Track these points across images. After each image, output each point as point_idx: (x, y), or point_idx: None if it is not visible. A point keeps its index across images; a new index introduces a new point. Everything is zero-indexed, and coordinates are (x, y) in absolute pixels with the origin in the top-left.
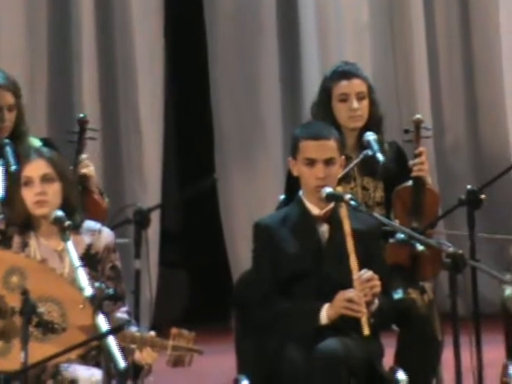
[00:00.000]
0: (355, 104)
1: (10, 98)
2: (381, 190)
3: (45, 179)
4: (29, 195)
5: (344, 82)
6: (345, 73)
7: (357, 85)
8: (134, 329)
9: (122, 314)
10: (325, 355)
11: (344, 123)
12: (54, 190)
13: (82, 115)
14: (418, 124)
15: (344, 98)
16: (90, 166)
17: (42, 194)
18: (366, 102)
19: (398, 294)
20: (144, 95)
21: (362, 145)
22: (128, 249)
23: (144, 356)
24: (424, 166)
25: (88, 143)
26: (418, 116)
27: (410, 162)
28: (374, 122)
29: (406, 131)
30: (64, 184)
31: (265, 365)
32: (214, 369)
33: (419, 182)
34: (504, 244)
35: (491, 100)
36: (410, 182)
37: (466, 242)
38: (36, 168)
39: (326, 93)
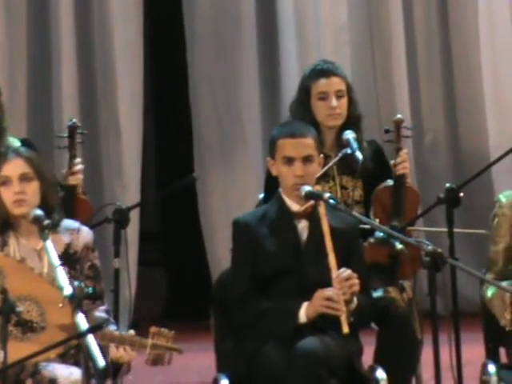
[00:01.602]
0: (334, 102)
1: None
2: (360, 188)
3: (23, 178)
4: (7, 195)
5: (323, 81)
6: (324, 71)
7: (336, 83)
8: (112, 327)
9: (100, 312)
10: (304, 354)
11: (323, 121)
12: (33, 189)
13: (73, 121)
14: (398, 124)
15: (323, 97)
16: (80, 177)
17: (20, 194)
18: (344, 101)
19: (378, 293)
20: (123, 95)
21: (341, 143)
22: (107, 248)
23: (121, 353)
24: (406, 164)
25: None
26: (399, 116)
27: (392, 162)
28: (352, 121)
29: (387, 131)
30: (42, 183)
31: (244, 364)
32: (194, 367)
33: (401, 180)
34: (483, 243)
35: (470, 99)
36: (389, 182)
37: (445, 241)
38: (14, 167)
39: (304, 91)
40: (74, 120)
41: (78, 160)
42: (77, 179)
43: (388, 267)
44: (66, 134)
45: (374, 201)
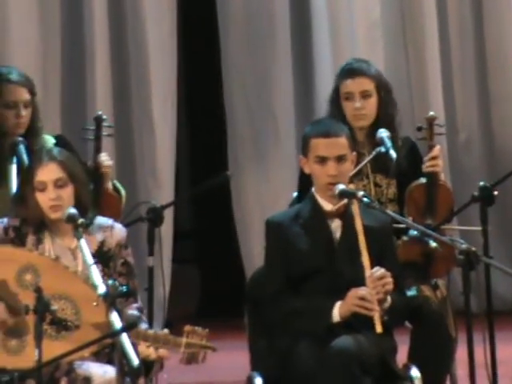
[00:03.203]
0: (357, 103)
1: (25, 95)
2: (394, 186)
3: (58, 184)
4: (44, 200)
5: (348, 81)
6: (350, 71)
7: (361, 83)
8: (144, 325)
9: (132, 310)
10: (338, 352)
11: (350, 121)
12: (68, 194)
13: (99, 113)
14: (431, 121)
15: (348, 97)
16: (109, 166)
17: (56, 200)
18: (372, 101)
19: (411, 292)
20: (157, 93)
21: (375, 141)
22: (141, 246)
23: (149, 351)
24: (438, 161)
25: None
26: (432, 113)
27: (425, 159)
28: (383, 121)
29: (419, 129)
30: (76, 185)
31: (278, 362)
32: (227, 365)
33: (433, 178)
34: None
35: (504, 96)
36: (422, 180)
37: (479, 239)
38: (48, 172)
39: (335, 91)
40: (100, 112)
41: (104, 156)
42: (105, 166)
43: (421, 265)
44: (93, 127)
45: (407, 199)
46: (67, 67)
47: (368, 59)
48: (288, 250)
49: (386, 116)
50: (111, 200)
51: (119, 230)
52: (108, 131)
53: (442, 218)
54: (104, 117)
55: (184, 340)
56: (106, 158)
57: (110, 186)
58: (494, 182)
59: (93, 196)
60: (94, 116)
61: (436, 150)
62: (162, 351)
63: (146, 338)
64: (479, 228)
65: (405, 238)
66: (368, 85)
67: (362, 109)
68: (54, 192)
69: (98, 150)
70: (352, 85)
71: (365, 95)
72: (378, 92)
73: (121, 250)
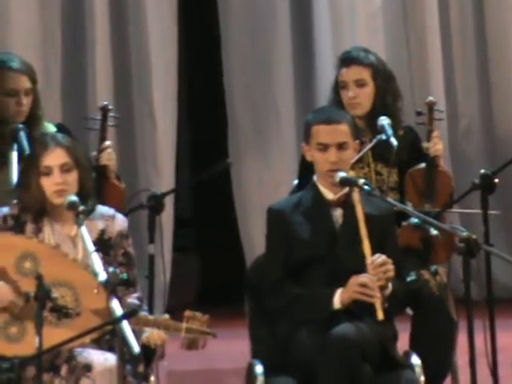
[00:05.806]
0: (350, 92)
1: (26, 83)
2: (395, 175)
3: (64, 169)
4: (49, 185)
5: (343, 70)
6: (345, 60)
7: (354, 72)
8: (144, 313)
9: (133, 299)
10: (338, 340)
11: (346, 110)
12: (73, 179)
13: (105, 103)
14: (430, 106)
15: (344, 86)
16: (112, 157)
17: (62, 184)
18: (367, 90)
19: (411, 277)
20: (158, 81)
21: (376, 129)
22: (142, 234)
23: (154, 337)
24: (439, 145)
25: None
26: (431, 98)
27: (425, 144)
28: (380, 110)
29: (419, 113)
30: (80, 171)
31: (278, 350)
32: (228, 353)
33: (434, 162)
34: None
35: (505, 83)
36: (422, 164)
37: (480, 226)
38: (55, 157)
39: (335, 79)
40: (106, 102)
41: (108, 143)
42: (107, 159)
43: (422, 252)
44: (98, 117)
45: (407, 181)
46: (68, 55)
47: (366, 48)
48: (289, 238)
49: (383, 105)
50: (115, 190)
51: (120, 220)
52: (112, 121)
53: (440, 203)
54: (110, 107)
55: (184, 325)
56: (107, 152)
57: (113, 176)
58: (495, 170)
59: (96, 185)
60: (100, 106)
61: (436, 135)
62: (164, 336)
63: (147, 323)
64: (479, 211)
65: (404, 223)
66: (363, 73)
67: (356, 98)
68: (59, 176)
69: (103, 141)
70: (346, 73)
71: (359, 84)
72: (374, 81)
73: (122, 240)
